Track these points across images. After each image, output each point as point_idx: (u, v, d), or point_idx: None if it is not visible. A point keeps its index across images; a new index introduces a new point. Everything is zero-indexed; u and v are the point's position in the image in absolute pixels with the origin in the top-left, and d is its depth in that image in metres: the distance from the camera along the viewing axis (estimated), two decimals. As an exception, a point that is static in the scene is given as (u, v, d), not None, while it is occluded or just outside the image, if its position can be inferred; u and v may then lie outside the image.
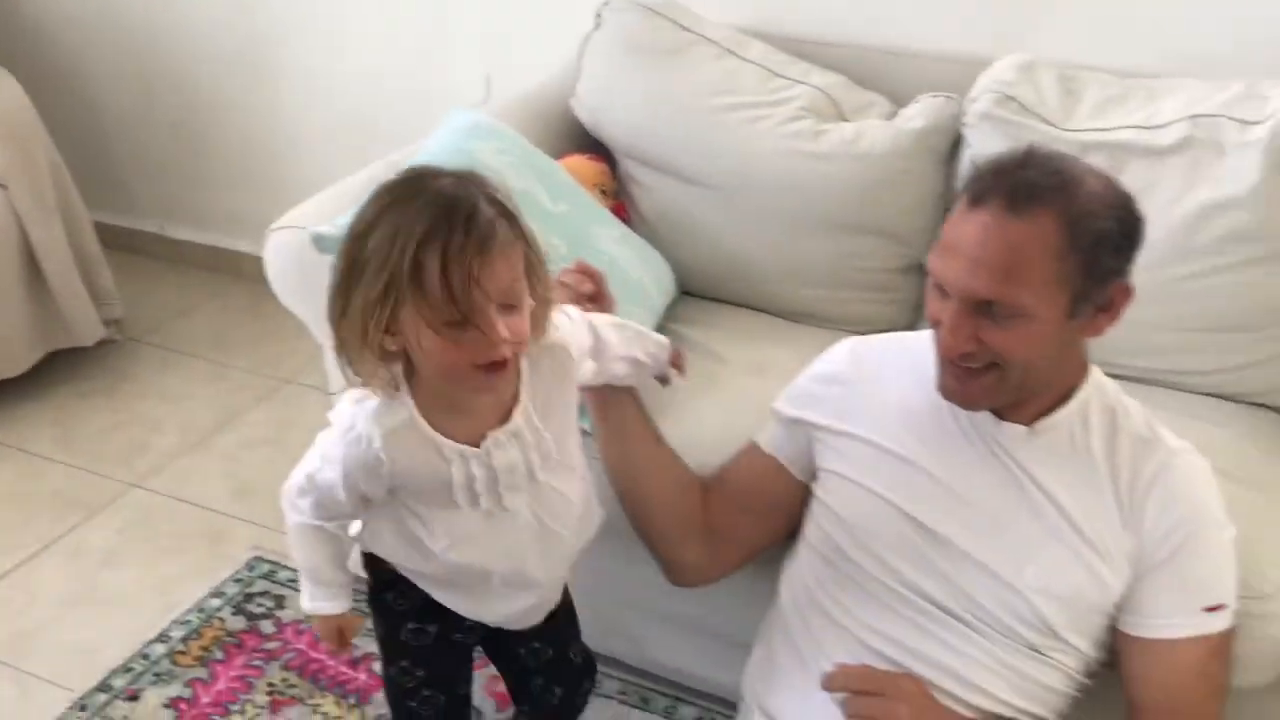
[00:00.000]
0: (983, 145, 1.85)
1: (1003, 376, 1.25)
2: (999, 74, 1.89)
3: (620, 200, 2.12)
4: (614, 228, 1.89)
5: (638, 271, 1.84)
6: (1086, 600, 1.31)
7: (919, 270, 2.00)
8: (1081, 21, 2.06)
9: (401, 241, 1.06)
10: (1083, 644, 1.33)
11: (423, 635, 1.41)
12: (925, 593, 1.34)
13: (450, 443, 1.19)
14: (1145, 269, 1.68)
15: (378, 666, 1.89)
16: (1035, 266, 1.18)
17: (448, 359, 1.10)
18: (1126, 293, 1.26)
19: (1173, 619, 1.29)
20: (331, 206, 1.80)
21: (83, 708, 1.84)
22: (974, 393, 1.29)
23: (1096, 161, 1.72)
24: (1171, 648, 1.29)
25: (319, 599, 1.34)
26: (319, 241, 1.67)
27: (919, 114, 1.95)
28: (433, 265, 1.05)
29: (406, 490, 1.23)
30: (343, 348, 1.14)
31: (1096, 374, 1.38)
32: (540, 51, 2.34)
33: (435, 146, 1.83)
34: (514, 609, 1.37)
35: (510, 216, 1.13)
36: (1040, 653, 1.32)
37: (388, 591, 1.39)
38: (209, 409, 2.61)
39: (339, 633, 1.37)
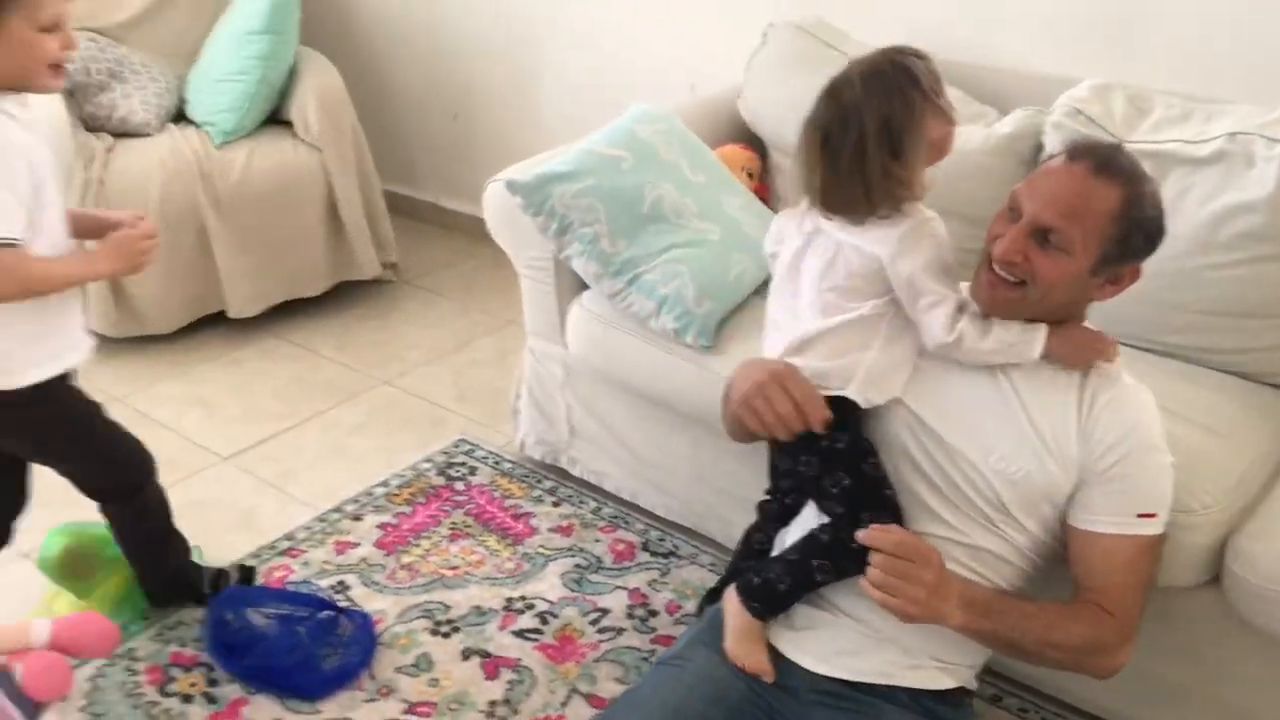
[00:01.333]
0: (1054, 149, 2.22)
1: (1024, 296, 1.57)
2: (1076, 93, 2.25)
3: (764, 183, 2.62)
4: (742, 198, 2.39)
5: (754, 231, 2.32)
6: (1035, 486, 1.60)
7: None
8: (1175, 53, 2.39)
9: None
10: (1030, 524, 1.63)
11: None
12: (916, 463, 1.66)
13: None
14: (1175, 258, 2.07)
15: (534, 521, 2.48)
16: (1092, 217, 1.52)
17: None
18: (1135, 274, 1.60)
19: (1110, 518, 1.57)
20: (532, 165, 2.40)
21: (322, 520, 2.52)
22: (999, 300, 1.59)
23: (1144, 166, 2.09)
24: (1105, 540, 1.58)
25: None
26: (510, 185, 2.27)
27: (1010, 122, 2.33)
28: None
29: None
30: None
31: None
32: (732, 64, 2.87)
33: (610, 127, 2.39)
34: None
35: None
36: (994, 525, 1.63)
37: None
38: (452, 336, 3.29)
39: None
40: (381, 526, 2.49)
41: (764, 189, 2.61)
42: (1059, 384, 1.61)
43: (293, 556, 2.40)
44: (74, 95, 3.18)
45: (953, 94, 2.48)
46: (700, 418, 2.19)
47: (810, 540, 1.66)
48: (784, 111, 2.55)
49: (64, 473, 2.00)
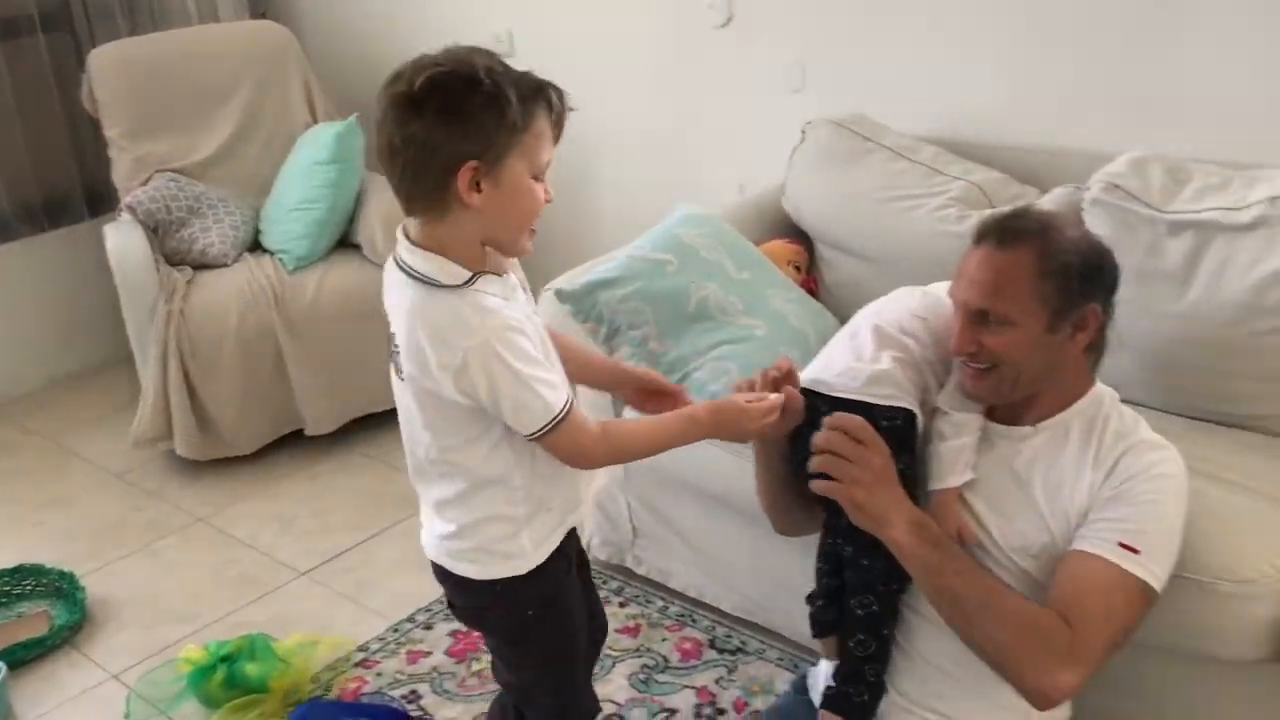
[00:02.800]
0: (1094, 225, 2.22)
1: (1001, 376, 1.62)
2: (1113, 168, 2.26)
3: (812, 275, 2.66)
4: (789, 292, 2.43)
5: (801, 323, 2.36)
6: (1051, 555, 1.59)
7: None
8: (1209, 120, 2.39)
9: None
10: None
11: None
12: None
13: None
14: (1224, 326, 2.07)
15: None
16: (1015, 286, 1.58)
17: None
18: (1097, 316, 1.62)
19: (1091, 538, 1.53)
20: (580, 273, 2.48)
21: (395, 630, 2.57)
22: (981, 389, 1.64)
23: (1185, 237, 2.11)
24: (1081, 558, 1.52)
25: None
26: (559, 294, 2.34)
27: (1050, 200, 2.35)
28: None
29: None
30: None
31: (1102, 392, 1.71)
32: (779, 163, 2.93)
33: (654, 231, 2.46)
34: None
35: None
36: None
37: None
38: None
39: None
40: (452, 634, 2.53)
41: (811, 281, 2.65)
42: (1066, 452, 1.62)
43: (367, 668, 2.45)
44: (156, 231, 3.37)
45: (992, 176, 2.55)
46: (757, 512, 2.20)
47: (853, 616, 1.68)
48: (825, 205, 2.63)
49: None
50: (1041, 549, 1.60)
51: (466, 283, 1.44)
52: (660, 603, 2.57)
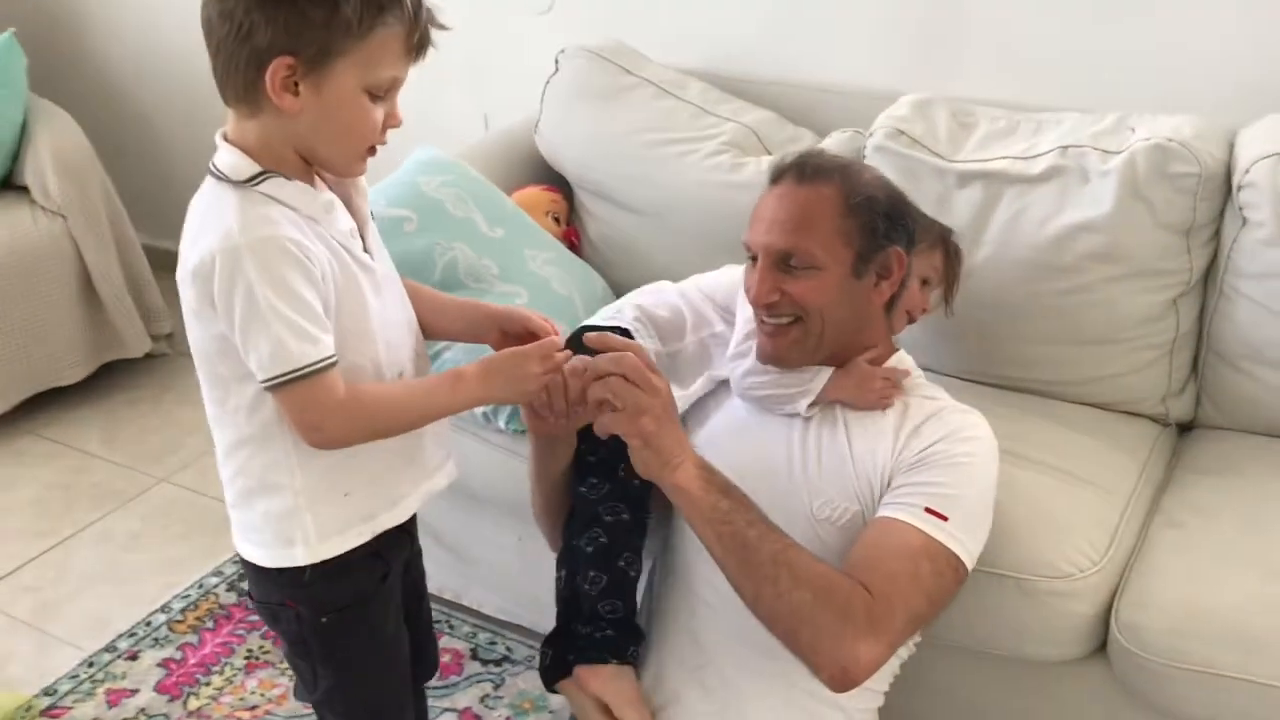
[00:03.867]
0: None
1: (806, 330, 1.48)
2: (895, 111, 2.07)
3: (573, 226, 2.36)
4: (548, 250, 2.13)
5: (565, 288, 2.06)
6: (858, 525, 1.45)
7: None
8: (990, 60, 2.24)
9: None
10: None
11: None
12: None
13: None
14: (1016, 285, 1.91)
15: (343, 637, 2.16)
16: (820, 222, 1.45)
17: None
18: (901, 261, 1.50)
19: (895, 504, 1.40)
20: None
21: (90, 664, 2.14)
22: (783, 346, 1.50)
23: (974, 189, 1.94)
24: (885, 525, 1.39)
25: None
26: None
27: (830, 145, 2.13)
28: None
29: None
30: None
31: (903, 357, 1.59)
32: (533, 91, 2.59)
33: (390, 180, 2.09)
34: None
35: None
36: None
37: None
38: (237, 414, 2.92)
39: None
40: (164, 664, 2.13)
41: (573, 233, 2.35)
42: (880, 422, 1.50)
43: (53, 717, 2.02)
44: None
45: (763, 116, 2.32)
46: (523, 508, 1.91)
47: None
48: (584, 147, 2.33)
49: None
50: (847, 517, 1.46)
51: (250, 180, 1.19)
52: (412, 606, 2.25)
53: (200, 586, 2.33)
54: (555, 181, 2.40)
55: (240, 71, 1.16)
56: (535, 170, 2.42)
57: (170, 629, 2.22)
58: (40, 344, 2.85)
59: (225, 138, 1.22)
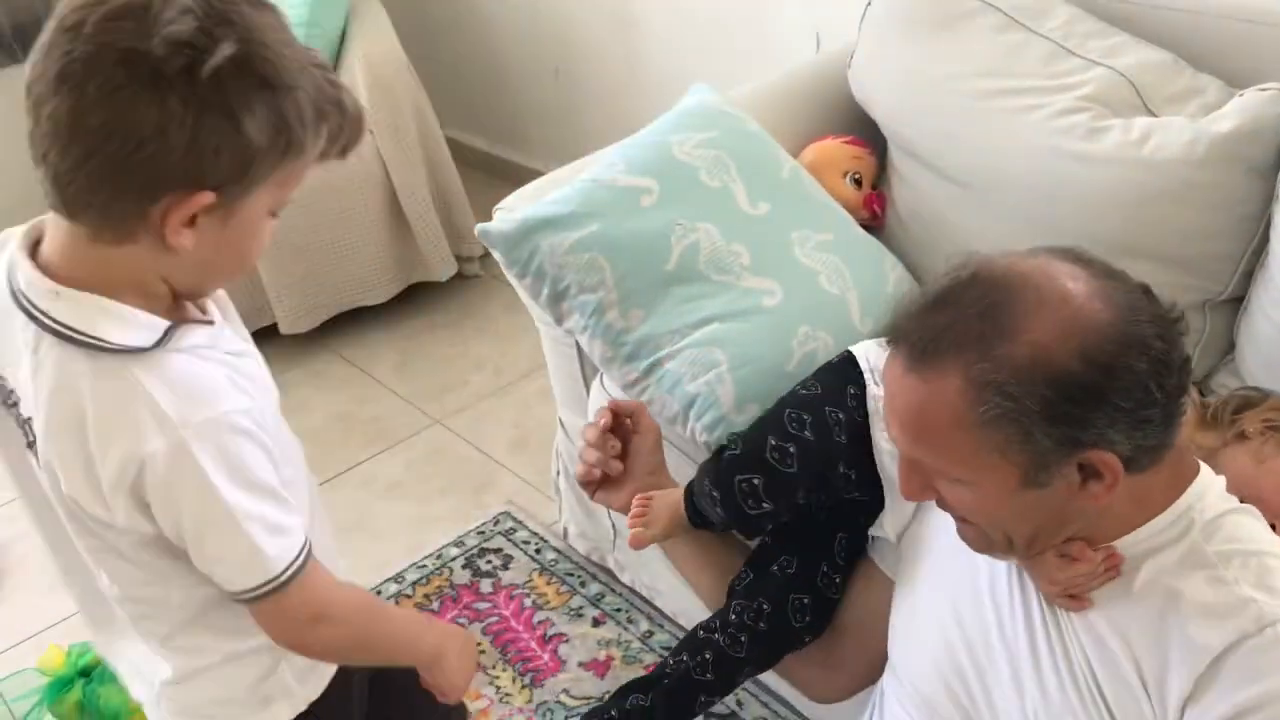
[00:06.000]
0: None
1: (984, 533, 1.01)
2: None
3: (879, 192, 1.88)
4: (827, 230, 1.67)
5: (838, 285, 1.61)
6: None
7: (1219, 309, 1.59)
8: None
9: None
10: None
11: None
12: None
13: None
14: None
15: (564, 649, 1.93)
16: (942, 433, 0.94)
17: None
18: (1112, 465, 0.92)
19: None
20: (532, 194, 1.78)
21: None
22: (972, 542, 1.05)
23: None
24: None
25: None
26: (484, 234, 1.65)
27: (1235, 111, 1.51)
28: None
29: None
30: None
31: (1196, 494, 1.00)
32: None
33: (638, 138, 1.72)
34: None
35: None
36: None
37: None
38: (527, 355, 2.70)
39: None
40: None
41: (877, 201, 1.86)
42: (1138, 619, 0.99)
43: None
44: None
45: (1151, 59, 1.69)
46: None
47: None
48: (902, 93, 1.83)
49: None
50: None
51: (159, 342, 0.90)
52: (645, 626, 1.96)
53: (439, 558, 2.17)
54: (868, 133, 1.91)
55: (130, 198, 0.84)
56: (847, 117, 1.94)
57: (396, 604, 2.07)
58: (346, 263, 2.79)
59: (59, 274, 0.89)
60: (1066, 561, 0.99)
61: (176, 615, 1.03)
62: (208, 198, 0.84)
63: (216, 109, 0.81)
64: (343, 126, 0.92)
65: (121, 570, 1.00)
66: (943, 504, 1.01)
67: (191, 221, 0.86)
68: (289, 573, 0.95)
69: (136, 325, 0.89)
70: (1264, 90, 1.50)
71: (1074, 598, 0.99)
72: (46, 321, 0.89)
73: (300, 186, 0.94)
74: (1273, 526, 1.15)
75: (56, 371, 0.89)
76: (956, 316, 0.93)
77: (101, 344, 0.88)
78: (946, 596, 1.14)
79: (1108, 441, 0.91)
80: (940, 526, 1.16)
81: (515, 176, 3.34)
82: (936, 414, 0.93)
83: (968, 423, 0.91)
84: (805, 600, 1.36)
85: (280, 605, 0.96)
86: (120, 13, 0.80)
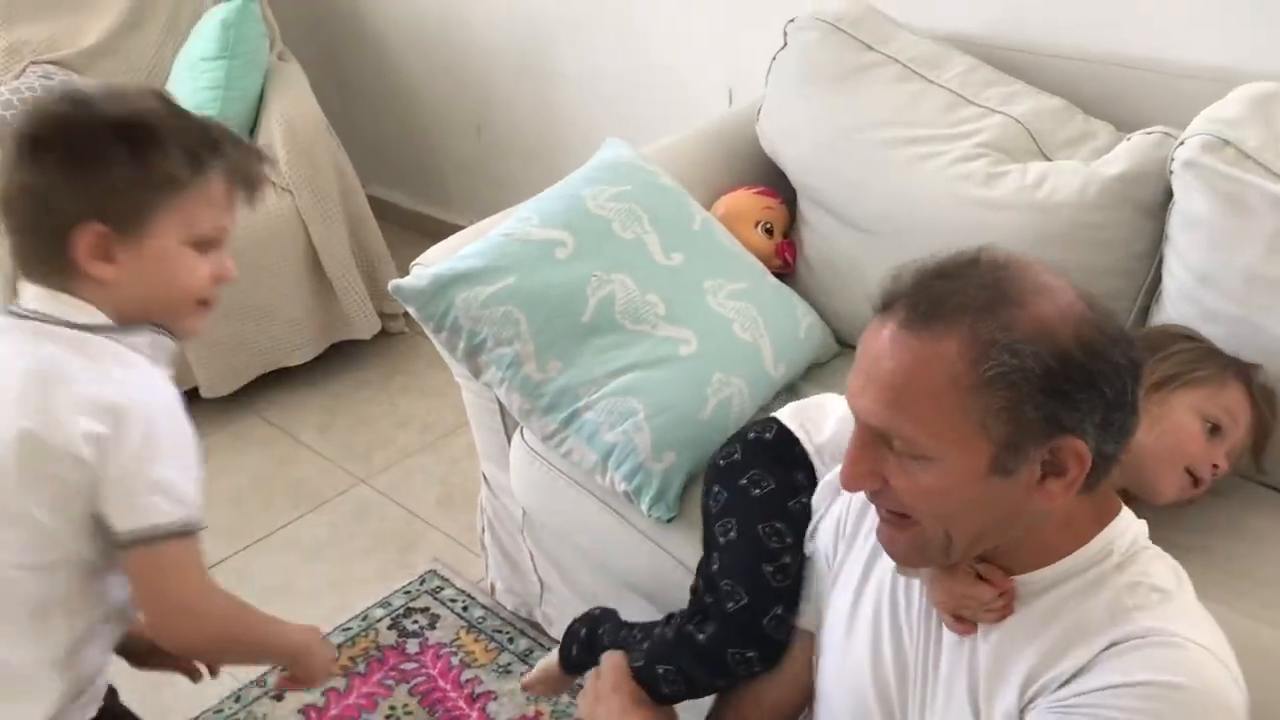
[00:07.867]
0: (1187, 201, 1.47)
1: (921, 533, 0.99)
2: (1223, 110, 1.48)
3: (790, 240, 1.92)
4: (739, 279, 1.71)
5: (751, 332, 1.64)
6: None
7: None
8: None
9: None
10: None
11: None
12: None
13: None
14: None
15: (493, 707, 1.91)
16: (929, 396, 0.93)
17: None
18: (1080, 457, 0.93)
19: None
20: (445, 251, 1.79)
21: (237, 699, 2.00)
22: (899, 547, 1.03)
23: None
24: None
25: None
26: (397, 291, 1.67)
27: (1125, 155, 1.58)
28: None
29: None
30: None
31: (1116, 535, 1.00)
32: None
33: (553, 191, 1.75)
34: None
35: None
36: None
37: None
38: (454, 410, 2.70)
39: None
40: (304, 711, 1.95)
41: (788, 249, 1.90)
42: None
43: (185, 762, 1.89)
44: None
45: (1044, 105, 1.76)
46: (667, 600, 1.55)
47: None
48: (808, 143, 1.88)
49: None
50: None
51: (120, 329, 1.12)
52: (580, 683, 1.95)
53: (364, 619, 2.14)
54: (779, 183, 1.96)
55: (45, 244, 1.09)
56: (759, 168, 1.98)
57: (322, 668, 2.03)
58: (268, 324, 2.76)
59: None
60: (973, 580, 1.00)
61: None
62: (96, 227, 1.06)
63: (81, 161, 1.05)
64: (229, 162, 1.12)
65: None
66: (883, 497, 1.00)
67: (107, 256, 1.07)
68: (192, 527, 1.12)
69: (93, 314, 1.11)
70: (1149, 134, 1.57)
71: (960, 620, 1.01)
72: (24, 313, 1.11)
73: (229, 230, 1.15)
74: (1195, 479, 1.19)
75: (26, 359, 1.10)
76: (963, 285, 0.94)
77: (71, 323, 1.11)
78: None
79: (1083, 431, 0.92)
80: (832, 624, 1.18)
81: (438, 232, 3.35)
82: (930, 374, 0.92)
83: (963, 384, 0.91)
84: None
85: (171, 554, 1.11)
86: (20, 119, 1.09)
